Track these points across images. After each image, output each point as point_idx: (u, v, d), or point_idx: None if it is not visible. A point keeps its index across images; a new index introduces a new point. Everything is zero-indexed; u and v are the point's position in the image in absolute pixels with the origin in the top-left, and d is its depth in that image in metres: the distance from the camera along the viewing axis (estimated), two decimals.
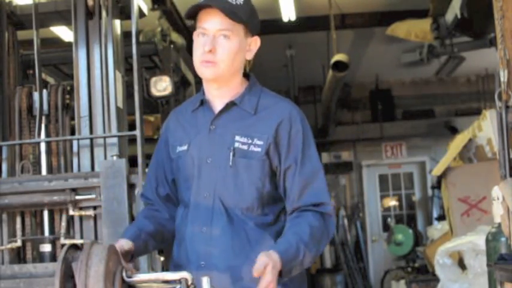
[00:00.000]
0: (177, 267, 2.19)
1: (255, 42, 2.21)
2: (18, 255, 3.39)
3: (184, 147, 2.22)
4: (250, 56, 2.21)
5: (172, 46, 5.47)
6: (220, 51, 2.12)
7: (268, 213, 2.18)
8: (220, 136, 2.17)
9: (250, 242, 2.14)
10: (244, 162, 2.13)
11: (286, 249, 2.01)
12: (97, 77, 3.45)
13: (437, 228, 7.11)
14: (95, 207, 3.29)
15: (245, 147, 2.14)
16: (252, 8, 2.18)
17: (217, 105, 2.22)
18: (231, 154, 2.13)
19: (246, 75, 2.28)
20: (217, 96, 2.22)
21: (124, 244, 2.07)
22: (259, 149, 2.14)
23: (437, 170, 5.02)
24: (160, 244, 2.31)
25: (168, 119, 2.38)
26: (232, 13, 2.09)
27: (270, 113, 2.18)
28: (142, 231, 2.20)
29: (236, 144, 2.14)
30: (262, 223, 2.16)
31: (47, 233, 3.36)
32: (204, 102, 2.24)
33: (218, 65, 2.13)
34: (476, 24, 6.52)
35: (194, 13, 2.15)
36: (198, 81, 6.14)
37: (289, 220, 2.16)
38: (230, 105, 2.20)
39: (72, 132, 3.53)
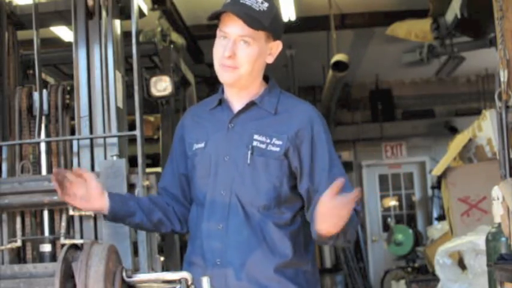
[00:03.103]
0: (191, 265, 2.19)
1: (277, 47, 2.21)
2: (18, 255, 3.38)
3: (201, 145, 2.23)
4: (271, 60, 2.22)
5: (172, 46, 5.47)
6: (240, 57, 2.13)
7: (285, 212, 2.18)
8: (238, 134, 2.18)
9: (266, 240, 2.14)
10: (262, 161, 2.14)
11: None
12: (97, 77, 3.45)
13: (437, 228, 7.12)
14: None
15: (263, 146, 2.15)
16: (277, 14, 2.18)
17: (237, 104, 2.23)
18: (249, 152, 2.14)
19: (265, 77, 2.29)
20: (236, 97, 2.23)
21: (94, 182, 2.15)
22: (277, 149, 2.14)
23: (437, 170, 5.02)
24: (148, 222, 2.28)
25: (183, 117, 2.39)
26: (254, 21, 2.09)
27: (290, 115, 2.19)
28: (133, 200, 2.25)
29: (254, 143, 2.15)
30: (279, 222, 2.16)
31: (47, 233, 3.36)
32: (222, 101, 2.25)
33: (238, 70, 2.14)
34: (476, 24, 6.52)
35: (216, 16, 2.15)
36: (198, 81, 6.15)
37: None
38: (250, 105, 2.21)
39: (72, 132, 3.53)
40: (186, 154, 2.29)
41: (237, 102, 2.23)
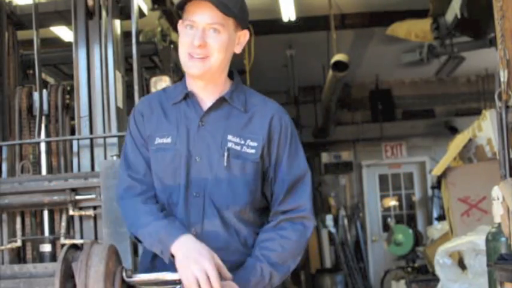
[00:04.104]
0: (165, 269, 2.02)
1: (244, 36, 2.14)
2: (18, 255, 3.39)
3: (167, 140, 2.11)
4: (239, 49, 2.14)
5: (172, 46, 5.47)
6: (211, 46, 2.04)
7: (260, 216, 2.15)
8: (210, 134, 2.09)
9: (246, 245, 2.09)
10: (238, 164, 2.07)
11: (248, 277, 2.00)
12: (97, 77, 3.45)
13: (437, 228, 7.11)
14: (94, 207, 3.29)
15: (238, 147, 2.07)
16: (243, 2, 2.11)
17: (205, 100, 2.13)
18: (226, 154, 2.06)
19: (229, 72, 2.21)
20: (204, 91, 2.13)
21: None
22: (253, 151, 2.08)
23: (437, 170, 5.01)
24: None
25: (139, 104, 2.23)
26: (224, 6, 2.01)
27: (260, 113, 2.12)
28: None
29: (229, 144, 2.07)
30: (254, 227, 2.12)
31: (47, 233, 3.36)
32: (188, 96, 2.14)
33: (208, 60, 2.05)
34: (476, 24, 6.51)
35: (184, 3, 2.05)
36: None
37: (264, 231, 2.10)
38: (220, 101, 2.12)
39: (72, 132, 3.53)
40: (147, 146, 2.14)
41: (205, 97, 2.13)
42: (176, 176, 2.09)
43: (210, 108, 2.11)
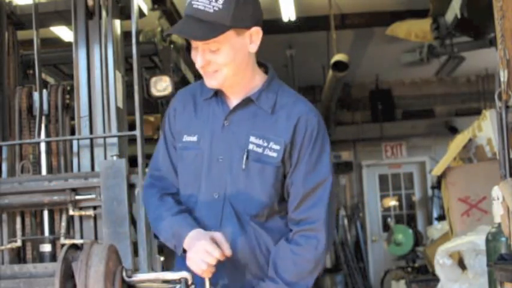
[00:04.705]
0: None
1: (256, 33, 2.03)
2: (18, 255, 3.39)
3: (193, 138, 2.09)
4: (254, 48, 2.04)
5: (172, 46, 5.47)
6: (214, 63, 2.00)
7: (279, 222, 2.08)
8: (234, 134, 2.05)
9: (262, 251, 2.05)
10: (258, 167, 2.01)
11: None
12: (97, 77, 3.45)
13: (437, 228, 7.11)
14: (95, 207, 3.29)
15: (260, 150, 2.02)
16: (238, 3, 1.96)
17: (232, 99, 2.09)
18: (245, 156, 2.01)
19: (265, 65, 2.15)
20: (231, 91, 2.09)
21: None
22: (274, 154, 2.02)
23: (437, 170, 5.01)
24: None
25: (175, 99, 2.22)
26: (209, 30, 1.93)
27: (287, 114, 2.04)
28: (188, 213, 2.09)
29: (250, 146, 2.02)
30: (272, 233, 2.06)
31: (47, 233, 3.36)
32: (218, 93, 2.10)
33: (220, 72, 2.01)
34: (476, 24, 6.51)
35: (168, 35, 2.06)
36: (198, 81, 6.14)
37: (278, 247, 2.05)
38: (246, 102, 2.07)
39: (72, 132, 3.53)
40: (174, 143, 2.15)
41: (232, 96, 2.09)
42: (197, 176, 2.08)
43: (236, 108, 2.08)
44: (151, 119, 6.88)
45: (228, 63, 2.00)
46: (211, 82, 2.04)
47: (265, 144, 2.03)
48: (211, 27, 1.94)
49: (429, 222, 10.62)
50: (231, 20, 1.95)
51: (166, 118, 2.20)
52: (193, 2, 1.96)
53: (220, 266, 1.97)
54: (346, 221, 10.72)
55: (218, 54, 1.98)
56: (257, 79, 2.10)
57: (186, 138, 2.11)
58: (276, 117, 2.05)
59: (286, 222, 2.09)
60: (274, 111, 2.06)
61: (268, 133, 2.03)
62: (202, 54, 1.99)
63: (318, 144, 2.04)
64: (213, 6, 1.93)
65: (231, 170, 2.03)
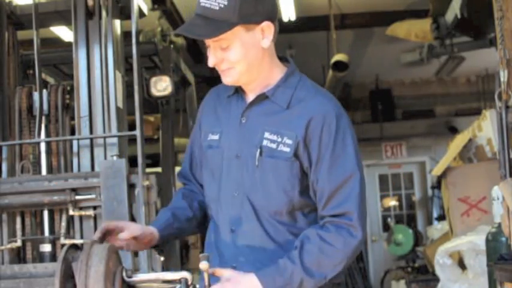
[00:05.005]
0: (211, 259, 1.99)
1: (268, 28, 1.99)
2: (18, 255, 3.39)
3: (216, 137, 2.10)
4: (267, 43, 2.00)
5: (172, 46, 5.47)
6: (228, 60, 1.99)
7: (300, 219, 2.03)
8: (249, 131, 2.04)
9: (282, 248, 2.00)
10: (271, 163, 1.99)
11: (274, 276, 1.90)
12: (97, 77, 3.45)
13: (437, 228, 7.13)
14: (95, 207, 3.29)
15: (274, 145, 1.99)
16: None
17: (250, 95, 2.08)
18: (258, 153, 1.99)
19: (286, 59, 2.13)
20: (249, 87, 2.08)
21: (147, 233, 2.03)
22: (288, 149, 1.98)
23: (437, 170, 5.02)
24: (196, 228, 2.21)
25: (206, 97, 2.23)
26: (216, 28, 1.92)
27: (303, 109, 2.00)
28: (176, 218, 2.11)
29: (264, 142, 2.00)
30: (293, 230, 2.02)
31: (47, 233, 3.36)
32: (238, 90, 2.10)
33: (234, 69, 2.00)
34: (476, 24, 6.52)
35: (179, 33, 2.04)
36: (198, 81, 6.16)
37: (307, 230, 1.99)
38: (261, 98, 2.05)
39: (72, 132, 3.53)
40: (201, 142, 2.17)
41: (250, 92, 2.08)
42: (218, 174, 2.08)
43: (251, 104, 2.06)
44: (151, 119, 6.89)
45: (240, 59, 1.98)
46: (226, 79, 2.04)
47: (280, 139, 1.99)
48: (217, 25, 1.93)
49: (429, 222, 10.63)
50: (238, 16, 1.93)
51: (198, 115, 2.24)
52: (201, 1, 1.96)
53: (238, 264, 1.98)
54: None
55: (229, 52, 1.97)
56: (275, 74, 2.08)
57: (210, 137, 2.13)
58: (291, 111, 2.02)
59: (309, 220, 2.04)
60: (290, 106, 2.02)
61: (283, 128, 2.00)
62: (213, 52, 1.99)
63: (339, 139, 1.99)
64: (219, 4, 1.92)
65: (248, 168, 2.02)
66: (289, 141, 1.98)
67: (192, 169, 2.24)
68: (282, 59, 2.14)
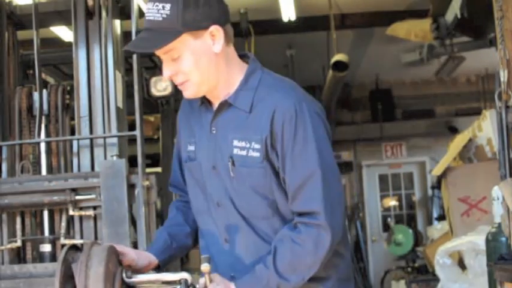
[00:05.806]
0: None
1: (218, 32, 1.91)
2: (18, 255, 3.39)
3: (192, 148, 2.07)
4: (218, 47, 1.92)
5: None
6: (180, 72, 1.93)
7: (291, 217, 1.98)
8: (220, 141, 1.99)
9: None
10: (245, 172, 1.94)
11: (250, 283, 1.90)
12: (97, 77, 3.46)
13: (437, 228, 7.12)
14: (95, 207, 3.29)
15: (244, 152, 1.94)
16: (187, 5, 1.86)
17: (215, 102, 2.02)
18: (230, 163, 1.95)
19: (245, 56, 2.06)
20: (211, 95, 2.02)
21: (148, 260, 2.02)
22: (257, 154, 1.92)
23: (437, 170, 5.02)
24: (196, 242, 2.18)
25: (179, 110, 2.19)
26: (159, 39, 1.87)
27: (264, 109, 1.93)
28: (174, 237, 2.11)
29: (235, 151, 1.95)
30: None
31: (47, 233, 3.37)
32: (203, 99, 2.05)
33: (189, 83, 1.95)
34: (476, 24, 6.51)
35: (127, 51, 2.00)
36: None
37: (280, 233, 1.97)
38: (224, 105, 1.99)
39: (72, 132, 3.54)
40: (180, 154, 2.15)
41: (214, 100, 2.02)
42: (200, 186, 2.06)
43: (216, 114, 2.01)
44: (151, 119, 6.89)
45: (192, 68, 1.92)
46: (186, 93, 1.99)
47: (248, 145, 1.94)
48: (162, 36, 1.87)
49: (429, 222, 10.63)
50: (181, 24, 1.87)
51: (178, 123, 2.21)
52: (146, 14, 1.91)
53: (237, 273, 1.96)
54: (346, 221, 10.71)
55: (180, 62, 1.91)
56: (236, 77, 2.00)
57: (188, 147, 2.10)
58: (254, 114, 1.95)
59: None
60: (253, 109, 1.95)
61: (249, 133, 1.94)
62: (166, 65, 1.93)
63: (299, 136, 1.91)
64: (161, 14, 1.86)
65: (225, 178, 1.99)
66: (257, 146, 1.93)
67: (183, 176, 2.19)
68: (244, 56, 2.07)
